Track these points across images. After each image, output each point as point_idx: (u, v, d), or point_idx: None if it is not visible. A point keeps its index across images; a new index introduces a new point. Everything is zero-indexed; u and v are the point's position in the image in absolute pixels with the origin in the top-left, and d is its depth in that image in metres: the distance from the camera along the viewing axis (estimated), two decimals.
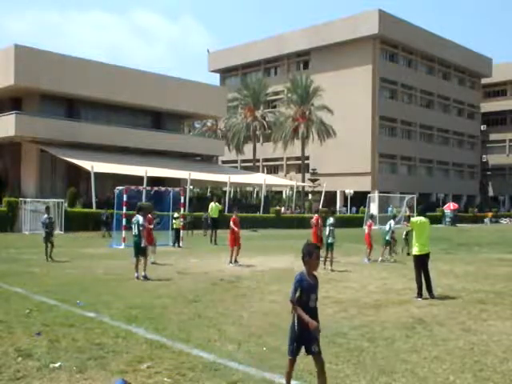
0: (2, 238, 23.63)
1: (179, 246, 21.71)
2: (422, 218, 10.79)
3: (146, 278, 12.33)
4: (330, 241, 15.32)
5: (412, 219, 11.02)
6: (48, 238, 16.06)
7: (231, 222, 16.09)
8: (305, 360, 6.20)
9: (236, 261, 15.81)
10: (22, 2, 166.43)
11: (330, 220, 15.72)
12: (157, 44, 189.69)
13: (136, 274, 12.41)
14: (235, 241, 15.90)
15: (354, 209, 55.14)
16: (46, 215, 16.85)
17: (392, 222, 18.87)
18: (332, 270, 14.55)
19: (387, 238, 18.06)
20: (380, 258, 17.50)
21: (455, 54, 71.09)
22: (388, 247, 18.23)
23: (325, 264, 14.83)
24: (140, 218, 12.83)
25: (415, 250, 10.61)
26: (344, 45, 62.68)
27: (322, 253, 18.18)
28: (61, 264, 15.24)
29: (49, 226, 16.41)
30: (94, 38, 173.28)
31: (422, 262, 10.54)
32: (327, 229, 15.52)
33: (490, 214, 59.97)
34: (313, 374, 5.70)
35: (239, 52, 74.20)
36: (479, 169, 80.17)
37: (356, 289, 11.49)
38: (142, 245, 12.76)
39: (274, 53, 70.60)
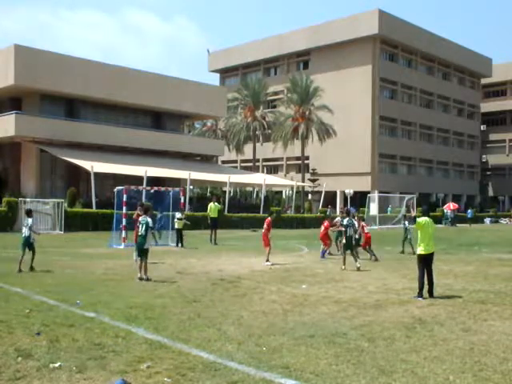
0: (2, 238, 23.61)
1: (182, 246, 21.68)
2: (426, 218, 10.87)
3: (148, 279, 12.34)
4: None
5: (418, 220, 11.05)
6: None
7: (265, 224, 16.70)
8: (304, 359, 6.21)
9: (268, 260, 16.09)
10: (14, 1, 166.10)
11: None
12: (155, 44, 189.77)
13: (139, 275, 12.43)
14: (268, 241, 16.45)
15: (353, 209, 55.10)
16: (31, 218, 14.11)
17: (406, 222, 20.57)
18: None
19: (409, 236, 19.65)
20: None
21: (455, 54, 71.07)
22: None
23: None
24: (149, 220, 12.96)
25: (420, 250, 10.68)
26: (344, 45, 62.65)
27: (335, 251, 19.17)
28: (60, 263, 15.21)
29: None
30: (88, 37, 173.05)
31: (426, 262, 10.62)
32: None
33: None
34: (313, 374, 5.71)
35: (239, 52, 74.17)
36: (479, 169, 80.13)
37: (356, 289, 11.49)
38: (145, 246, 12.80)
39: (273, 53, 70.55)
